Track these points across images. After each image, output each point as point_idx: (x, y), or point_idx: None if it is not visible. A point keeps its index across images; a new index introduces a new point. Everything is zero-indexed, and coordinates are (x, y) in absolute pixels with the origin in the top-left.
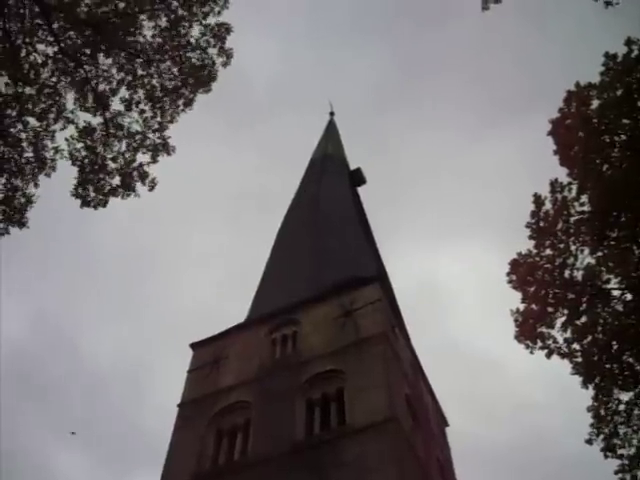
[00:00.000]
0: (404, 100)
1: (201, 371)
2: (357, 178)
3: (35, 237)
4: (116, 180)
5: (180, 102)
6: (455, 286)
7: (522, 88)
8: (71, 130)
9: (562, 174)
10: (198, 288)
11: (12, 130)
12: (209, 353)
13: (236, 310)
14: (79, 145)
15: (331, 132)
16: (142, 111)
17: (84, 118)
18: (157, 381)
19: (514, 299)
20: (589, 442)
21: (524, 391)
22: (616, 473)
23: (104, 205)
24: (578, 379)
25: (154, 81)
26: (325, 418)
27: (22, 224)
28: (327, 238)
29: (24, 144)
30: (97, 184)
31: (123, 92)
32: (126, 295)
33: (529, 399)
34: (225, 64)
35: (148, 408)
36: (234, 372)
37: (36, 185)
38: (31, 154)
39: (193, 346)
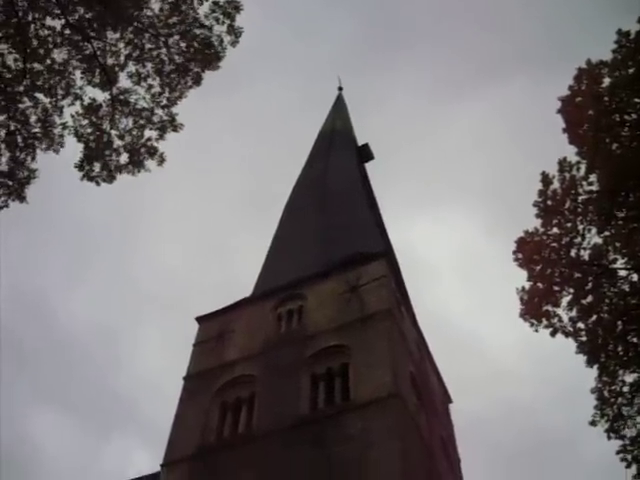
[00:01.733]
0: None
1: (206, 345)
2: (365, 154)
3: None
4: (124, 157)
5: (188, 78)
6: (433, 257)
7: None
8: (78, 107)
9: (571, 152)
10: (195, 260)
11: (20, 106)
12: (214, 327)
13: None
14: (84, 122)
15: (339, 107)
16: (150, 86)
17: (91, 94)
18: (134, 348)
19: (494, 271)
20: (593, 423)
21: (500, 363)
22: (618, 453)
23: (110, 182)
24: (554, 353)
25: (162, 55)
26: (329, 393)
27: (22, 198)
28: (334, 214)
29: (32, 119)
30: (103, 160)
31: (131, 67)
32: (108, 262)
33: (505, 371)
34: (234, 43)
35: (126, 374)
36: (239, 346)
37: (33, 158)
38: (38, 130)
39: (199, 320)
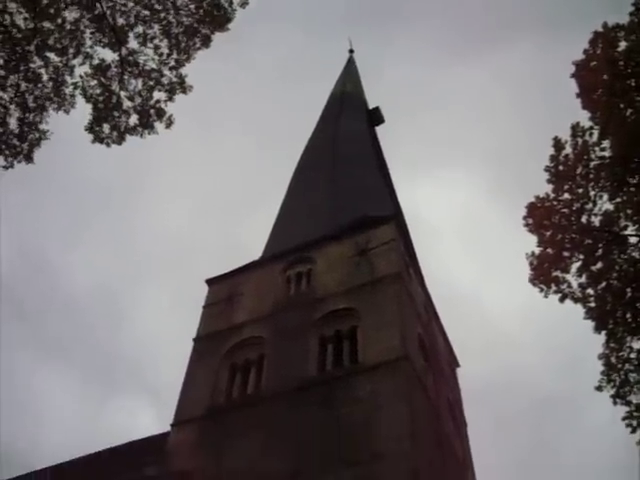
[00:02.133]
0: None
1: (216, 307)
2: (376, 117)
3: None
4: (133, 118)
5: (197, 40)
6: (434, 219)
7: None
8: (88, 67)
9: (584, 118)
10: (201, 222)
11: (32, 65)
12: (224, 289)
13: (251, 247)
14: (93, 82)
15: (350, 70)
16: (157, 47)
17: (100, 55)
18: (137, 308)
19: (495, 234)
20: (599, 389)
21: (503, 328)
22: (624, 419)
23: (120, 143)
24: (558, 320)
25: (170, 17)
26: (338, 355)
27: (30, 159)
28: (344, 177)
29: (44, 79)
30: (112, 122)
31: (139, 28)
32: (110, 222)
33: (508, 336)
34: (243, 4)
35: (128, 334)
36: (248, 308)
37: (46, 122)
38: (50, 90)
39: (208, 282)
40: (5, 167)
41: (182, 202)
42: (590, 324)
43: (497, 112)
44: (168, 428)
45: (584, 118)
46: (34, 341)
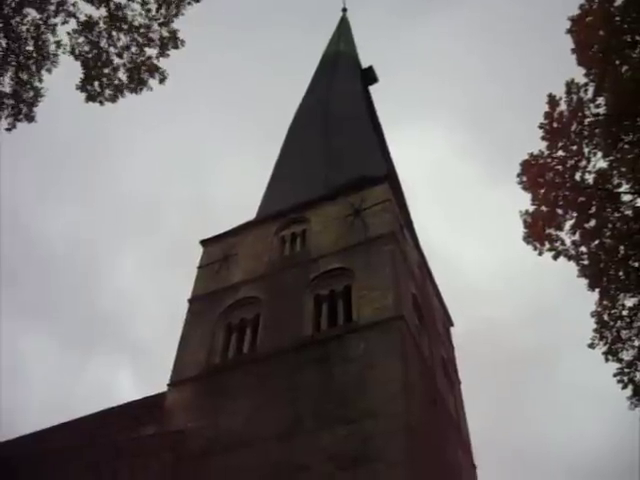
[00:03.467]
0: None
1: (211, 267)
2: (369, 76)
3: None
4: (124, 76)
5: None
6: (409, 176)
7: None
8: (73, 25)
9: (579, 74)
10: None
11: (12, 22)
12: (218, 250)
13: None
14: (81, 39)
15: (343, 29)
16: (145, 2)
17: (86, 12)
18: (111, 266)
19: (470, 192)
20: (591, 346)
21: (478, 283)
22: (615, 376)
23: (113, 101)
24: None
25: None
26: (332, 315)
27: (31, 118)
28: (337, 137)
29: (25, 37)
30: (103, 79)
31: None
32: (85, 179)
33: (481, 290)
34: None
35: (105, 291)
36: (243, 269)
37: (40, 80)
38: (32, 48)
39: (203, 242)
40: (8, 129)
41: (162, 161)
42: (563, 278)
43: (475, 70)
44: (146, 386)
45: (578, 75)
46: (12, 303)
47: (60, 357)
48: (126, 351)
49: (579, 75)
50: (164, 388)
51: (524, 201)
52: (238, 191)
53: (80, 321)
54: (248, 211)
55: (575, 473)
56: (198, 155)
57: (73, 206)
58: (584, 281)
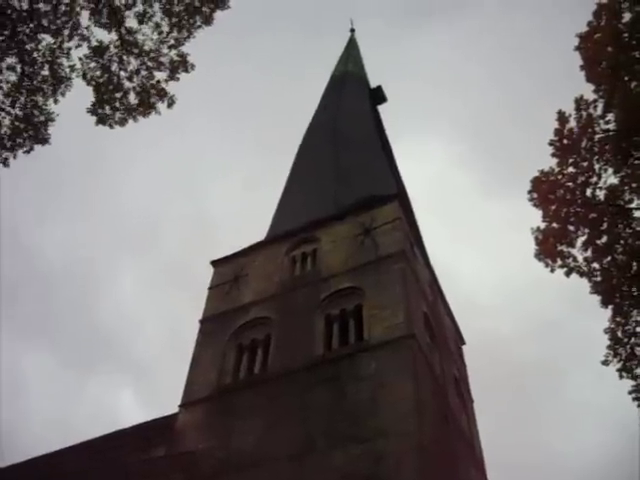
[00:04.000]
0: None
1: (221, 288)
2: (378, 96)
3: None
4: (134, 98)
5: (198, 18)
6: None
7: None
8: (85, 49)
9: (588, 91)
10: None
11: (27, 47)
12: (229, 270)
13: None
14: (92, 64)
15: (351, 49)
16: (157, 25)
17: (98, 36)
18: (111, 283)
19: (469, 205)
20: (605, 363)
21: (476, 296)
22: (630, 393)
23: (122, 124)
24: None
25: None
26: (343, 334)
27: (45, 140)
28: (347, 157)
29: (40, 61)
30: (114, 103)
31: (139, 7)
32: (83, 197)
33: (479, 304)
34: None
35: (104, 309)
36: (254, 289)
37: (56, 101)
38: (47, 72)
39: (214, 263)
40: (26, 152)
41: (160, 178)
42: (564, 293)
43: (475, 84)
44: (149, 405)
45: (588, 92)
46: (12, 321)
47: (60, 375)
48: (126, 370)
49: (583, 89)
50: (167, 406)
51: (524, 214)
52: (237, 208)
53: (79, 339)
54: (248, 228)
55: None
56: (196, 171)
57: (71, 223)
58: (585, 296)
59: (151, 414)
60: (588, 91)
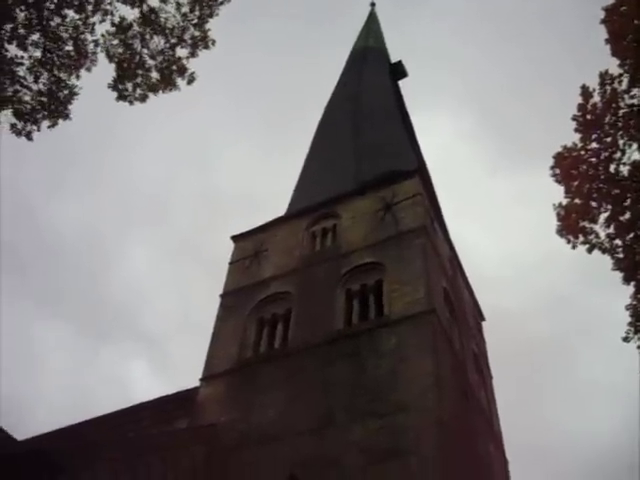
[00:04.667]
0: None
1: (242, 263)
2: (398, 71)
3: None
4: (155, 75)
5: None
6: None
7: None
8: (107, 25)
9: (613, 65)
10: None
11: (52, 23)
12: (250, 245)
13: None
14: (115, 41)
15: (372, 23)
16: (179, 4)
17: (121, 12)
18: (121, 256)
19: (475, 179)
20: (626, 340)
21: (483, 270)
22: None
23: (143, 100)
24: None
25: None
26: (364, 309)
27: (66, 116)
28: (367, 132)
29: (64, 37)
30: (135, 80)
31: None
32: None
33: (486, 278)
34: None
35: (115, 282)
36: (275, 264)
37: (78, 77)
38: (71, 47)
39: (234, 238)
40: (51, 126)
41: (170, 152)
42: (573, 269)
43: (479, 62)
44: (161, 375)
45: (613, 66)
46: (23, 291)
47: (73, 346)
48: (138, 340)
49: (588, 68)
50: (179, 376)
51: (530, 190)
52: (247, 183)
53: (92, 311)
54: (259, 203)
55: (590, 468)
56: (207, 146)
57: (82, 197)
58: (597, 271)
59: (164, 384)
60: (614, 65)
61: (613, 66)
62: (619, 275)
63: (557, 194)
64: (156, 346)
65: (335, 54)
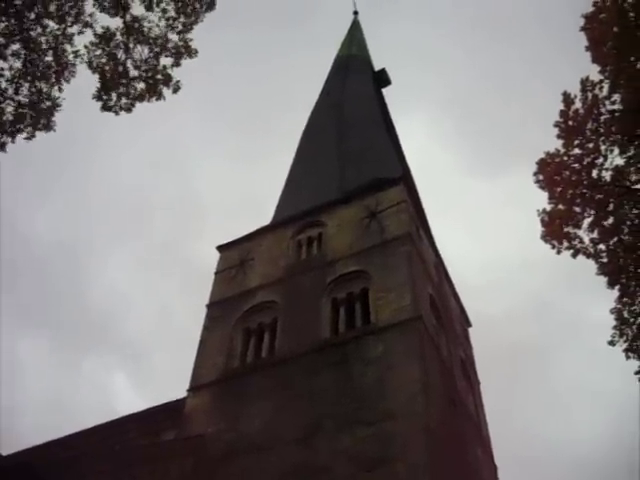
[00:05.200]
0: None
1: (228, 272)
2: (382, 79)
3: None
4: (141, 85)
5: (203, 2)
6: None
7: None
8: (89, 36)
9: (594, 72)
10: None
11: (32, 33)
12: (235, 255)
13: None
14: (98, 52)
15: (355, 32)
16: (164, 11)
17: (103, 23)
18: (101, 266)
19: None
20: (611, 343)
21: (462, 277)
22: (637, 374)
23: (128, 110)
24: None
25: None
26: (350, 317)
27: (49, 128)
28: (351, 140)
29: (44, 47)
30: (120, 90)
31: None
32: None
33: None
34: None
35: (96, 293)
36: (260, 273)
37: (60, 90)
38: (51, 58)
39: (220, 248)
40: (27, 138)
41: (150, 161)
42: (553, 273)
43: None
44: (143, 386)
45: (594, 72)
46: (5, 305)
47: (54, 358)
48: (119, 352)
49: (562, 71)
50: (161, 388)
51: (509, 194)
52: (226, 190)
53: (72, 323)
54: (237, 209)
55: (578, 471)
56: (185, 154)
57: (60, 207)
58: (578, 276)
59: (146, 394)
60: (576, 73)
61: (594, 72)
62: (603, 279)
63: (539, 196)
64: (138, 356)
65: (319, 61)
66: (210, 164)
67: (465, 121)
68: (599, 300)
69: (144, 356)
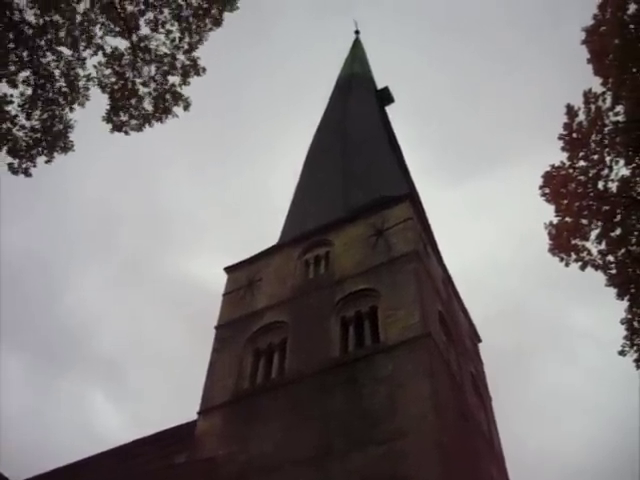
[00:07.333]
0: None
1: (236, 294)
2: (385, 97)
3: None
4: (150, 105)
5: (207, 21)
6: None
7: None
8: (100, 57)
9: (596, 84)
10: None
11: (43, 61)
12: (243, 276)
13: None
14: (107, 71)
15: (357, 51)
16: (169, 32)
17: (112, 43)
18: (71, 277)
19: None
20: (622, 353)
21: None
22: None
23: (139, 130)
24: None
25: (180, 0)
26: (359, 336)
27: (67, 149)
28: (356, 158)
29: (56, 74)
30: (129, 110)
31: (149, 14)
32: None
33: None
34: None
35: (67, 310)
36: (269, 293)
37: (72, 110)
38: (64, 84)
39: (227, 270)
40: (47, 161)
41: (118, 177)
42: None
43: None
44: (122, 401)
45: (597, 84)
46: None
47: (30, 379)
48: (95, 369)
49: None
50: (140, 405)
51: (475, 200)
52: (193, 204)
53: (44, 341)
54: (207, 227)
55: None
56: (152, 167)
57: (23, 222)
58: (555, 280)
59: (124, 409)
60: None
61: (596, 84)
62: (585, 285)
63: (516, 198)
64: (113, 372)
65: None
66: (176, 176)
67: (425, 129)
68: (577, 305)
69: (120, 371)
